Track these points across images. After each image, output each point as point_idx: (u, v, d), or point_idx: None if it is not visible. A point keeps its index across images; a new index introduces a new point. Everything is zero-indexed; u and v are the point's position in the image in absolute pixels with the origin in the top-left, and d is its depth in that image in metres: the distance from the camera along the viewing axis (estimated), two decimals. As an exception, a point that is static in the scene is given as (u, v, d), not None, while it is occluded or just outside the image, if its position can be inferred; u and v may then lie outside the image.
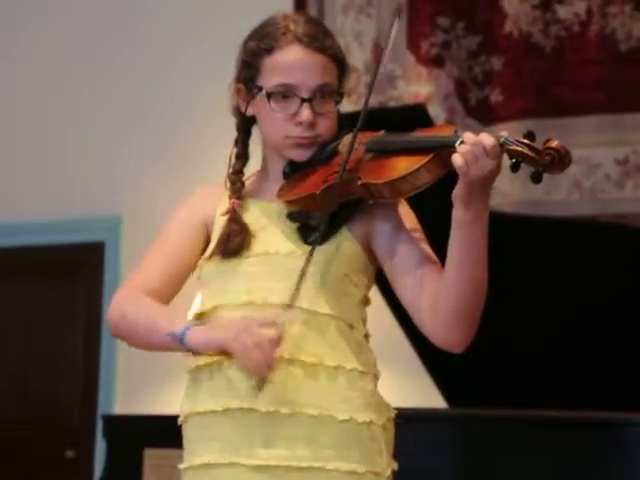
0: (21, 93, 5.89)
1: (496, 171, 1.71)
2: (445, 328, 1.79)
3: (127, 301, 1.90)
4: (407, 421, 2.02)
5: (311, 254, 1.79)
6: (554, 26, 4.82)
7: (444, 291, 1.77)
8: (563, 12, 4.82)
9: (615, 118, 4.68)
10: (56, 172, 5.76)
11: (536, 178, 1.70)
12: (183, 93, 5.48)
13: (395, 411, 1.93)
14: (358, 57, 5.09)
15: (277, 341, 1.73)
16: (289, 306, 1.76)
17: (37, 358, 5.68)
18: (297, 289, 1.77)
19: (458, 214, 1.73)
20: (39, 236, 5.70)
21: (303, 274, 1.78)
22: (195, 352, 1.83)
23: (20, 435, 5.62)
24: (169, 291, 1.94)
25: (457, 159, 1.69)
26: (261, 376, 1.76)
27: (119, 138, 5.66)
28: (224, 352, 1.79)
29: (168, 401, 4.54)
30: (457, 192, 1.72)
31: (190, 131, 5.42)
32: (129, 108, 5.66)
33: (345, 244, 1.87)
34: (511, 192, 4.70)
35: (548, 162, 1.69)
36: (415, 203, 1.88)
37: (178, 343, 1.81)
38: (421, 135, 1.82)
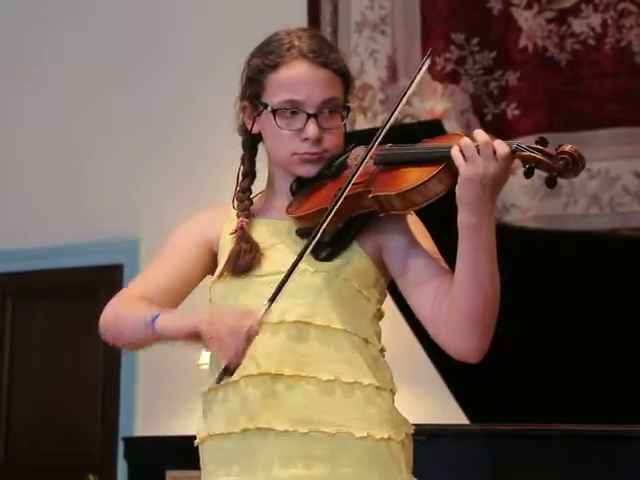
0: (41, 118, 5.92)
1: (503, 176, 1.70)
2: (458, 336, 1.77)
3: (123, 303, 1.90)
4: (427, 437, 2.00)
5: (301, 256, 1.76)
6: (569, 40, 4.81)
7: (455, 298, 1.76)
8: (578, 25, 4.81)
9: (632, 131, 4.66)
10: (75, 196, 5.78)
11: (550, 183, 1.69)
12: (202, 119, 5.50)
13: (413, 427, 1.91)
14: (373, 74, 5.09)
15: (252, 333, 1.68)
16: (271, 300, 1.71)
17: (57, 381, 5.67)
18: (281, 287, 1.74)
19: (462, 218, 1.72)
20: (58, 259, 5.71)
21: (289, 274, 1.74)
22: (166, 338, 1.78)
23: (42, 460, 5.61)
24: (165, 305, 1.89)
25: (455, 151, 1.69)
26: (229, 365, 1.68)
27: (138, 162, 5.68)
28: (193, 338, 1.73)
29: (189, 422, 4.52)
30: (460, 193, 1.71)
31: (208, 156, 5.43)
32: (148, 133, 5.69)
33: (356, 259, 1.86)
34: (530, 207, 4.68)
35: (562, 166, 1.67)
36: (422, 214, 1.87)
37: (150, 327, 1.77)
38: (430, 145, 1.80)
